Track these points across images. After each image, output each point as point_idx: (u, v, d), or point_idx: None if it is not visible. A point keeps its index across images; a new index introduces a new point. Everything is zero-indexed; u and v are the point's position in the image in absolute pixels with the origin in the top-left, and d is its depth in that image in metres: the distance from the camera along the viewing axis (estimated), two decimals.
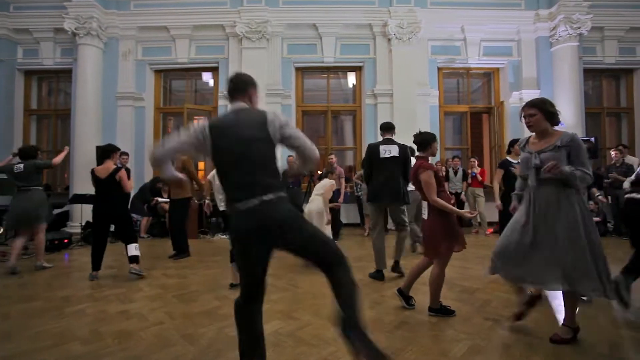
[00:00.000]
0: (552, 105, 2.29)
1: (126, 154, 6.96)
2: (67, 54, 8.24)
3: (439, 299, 2.83)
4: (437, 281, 2.78)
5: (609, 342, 2.33)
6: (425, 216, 2.88)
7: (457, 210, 2.80)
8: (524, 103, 2.43)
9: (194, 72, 9.05)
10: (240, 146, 1.63)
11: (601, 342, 2.32)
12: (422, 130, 3.08)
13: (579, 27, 7.87)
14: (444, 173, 7.55)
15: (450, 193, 7.44)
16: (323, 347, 2.27)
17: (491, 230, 7.49)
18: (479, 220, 7.48)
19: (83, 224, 6.77)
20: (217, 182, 3.70)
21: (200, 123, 1.70)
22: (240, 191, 1.63)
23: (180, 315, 2.87)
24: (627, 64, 8.68)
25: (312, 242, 1.67)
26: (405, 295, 2.98)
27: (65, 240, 6.04)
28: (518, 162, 4.43)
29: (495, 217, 7.94)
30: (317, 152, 1.78)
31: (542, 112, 2.26)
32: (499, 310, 2.91)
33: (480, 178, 7.40)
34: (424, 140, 2.98)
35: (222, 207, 3.79)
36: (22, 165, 4.47)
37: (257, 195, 1.60)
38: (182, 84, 9.64)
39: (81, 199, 6.37)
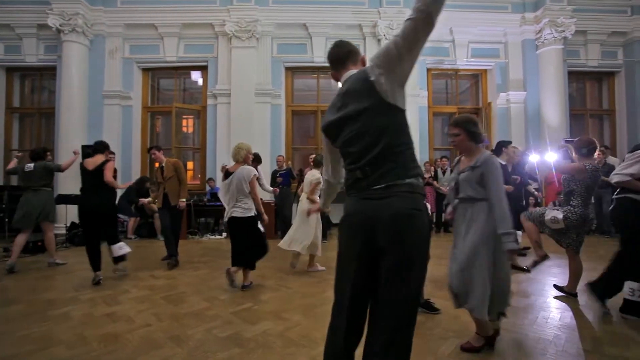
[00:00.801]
0: (475, 125, 2.29)
1: (112, 153, 6.82)
2: (51, 51, 8.04)
3: (423, 293, 2.87)
4: None
5: (592, 338, 2.40)
6: None
7: None
8: (454, 120, 2.37)
9: (183, 70, 8.94)
10: (349, 125, 1.32)
11: (585, 339, 2.39)
12: None
13: (564, 31, 8.06)
14: (433, 173, 7.62)
15: (438, 193, 7.52)
16: (312, 347, 2.27)
17: None
18: None
19: (68, 224, 6.62)
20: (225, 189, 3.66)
21: None
22: (356, 178, 1.32)
23: (168, 316, 2.84)
24: (609, 67, 8.93)
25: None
26: (422, 304, 2.95)
27: None
28: (504, 164, 4.51)
29: None
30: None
31: (465, 132, 2.26)
32: None
33: None
34: None
35: (230, 213, 3.64)
36: (32, 165, 4.64)
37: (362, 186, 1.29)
38: (170, 83, 9.51)
39: (66, 199, 6.24)
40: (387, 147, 1.24)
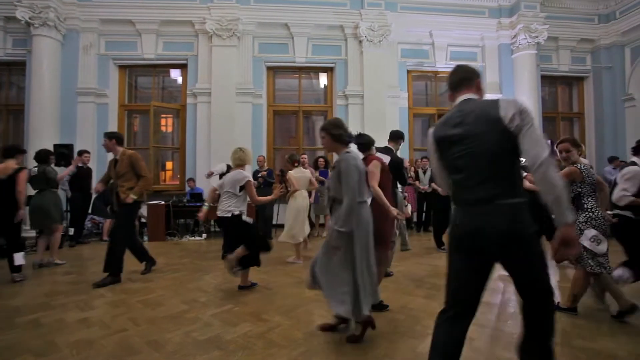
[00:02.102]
0: (337, 127, 2.40)
1: (87, 152, 6.60)
2: (20, 45, 7.65)
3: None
4: (378, 280, 2.88)
5: (562, 330, 2.50)
6: None
7: (390, 207, 2.86)
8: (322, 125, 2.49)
9: (162, 68, 8.72)
10: (465, 143, 1.47)
11: (555, 332, 2.48)
12: (363, 133, 3.09)
13: (537, 36, 8.38)
14: (414, 173, 7.74)
15: (419, 193, 7.65)
16: (293, 347, 2.26)
17: None
18: None
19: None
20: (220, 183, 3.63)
21: (430, 132, 1.65)
22: (466, 193, 1.49)
23: (145, 321, 2.76)
24: (579, 72, 9.35)
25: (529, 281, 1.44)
26: (372, 305, 2.97)
27: None
28: None
29: None
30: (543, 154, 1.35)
31: (328, 134, 2.39)
32: None
33: None
34: (369, 143, 3.05)
35: (221, 212, 3.56)
36: (36, 169, 4.74)
37: (482, 198, 1.43)
38: (148, 81, 9.26)
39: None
40: (501, 168, 1.43)
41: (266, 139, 8.42)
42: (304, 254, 4.98)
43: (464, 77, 1.63)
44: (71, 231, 6.33)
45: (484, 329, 2.53)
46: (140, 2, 7.82)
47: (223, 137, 7.61)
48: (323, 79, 9.45)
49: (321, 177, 6.83)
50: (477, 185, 1.44)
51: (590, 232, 2.67)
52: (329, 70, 8.79)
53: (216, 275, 4.17)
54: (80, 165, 6.40)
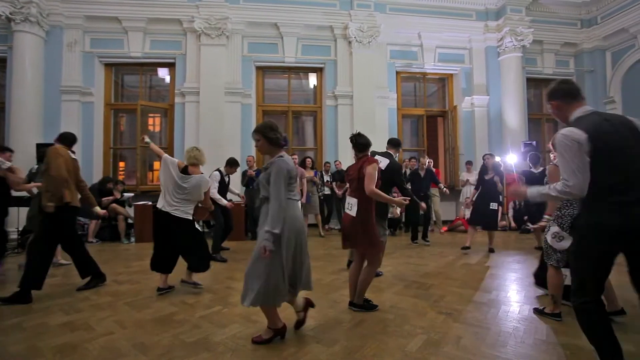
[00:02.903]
0: (272, 130, 2.42)
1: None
2: (1, 41, 7.42)
3: (364, 295, 2.96)
4: (368, 279, 2.91)
5: (547, 328, 2.56)
6: (352, 213, 2.91)
7: (393, 199, 2.95)
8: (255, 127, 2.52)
9: (149, 67, 8.59)
10: (626, 152, 1.67)
11: (541, 330, 2.54)
12: (360, 133, 3.08)
13: (522, 40, 8.57)
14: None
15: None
16: (283, 348, 2.26)
17: (445, 228, 7.88)
18: (434, 218, 7.82)
19: (20, 228, 6.16)
20: (171, 171, 3.52)
21: (573, 136, 1.69)
22: (623, 194, 1.64)
23: (132, 323, 2.71)
24: (562, 75, 9.55)
25: None
26: (361, 305, 2.96)
27: None
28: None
29: (449, 216, 8.40)
30: None
31: (264, 137, 2.40)
32: (452, 305, 3.07)
33: None
34: (366, 144, 3.03)
35: (180, 213, 3.51)
36: (36, 167, 4.80)
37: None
38: (135, 79, 9.10)
39: (18, 201, 5.79)
40: None
41: None
42: None
43: (579, 89, 1.87)
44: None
45: (472, 328, 2.57)
46: None
47: (211, 137, 7.55)
48: (312, 79, 9.46)
49: (315, 178, 7.22)
50: (634, 187, 1.63)
51: (554, 229, 2.74)
52: (318, 70, 8.80)
53: (205, 276, 4.12)
54: None
